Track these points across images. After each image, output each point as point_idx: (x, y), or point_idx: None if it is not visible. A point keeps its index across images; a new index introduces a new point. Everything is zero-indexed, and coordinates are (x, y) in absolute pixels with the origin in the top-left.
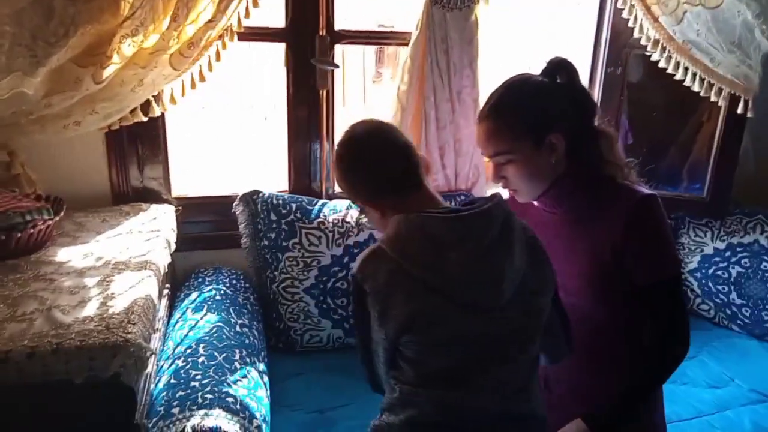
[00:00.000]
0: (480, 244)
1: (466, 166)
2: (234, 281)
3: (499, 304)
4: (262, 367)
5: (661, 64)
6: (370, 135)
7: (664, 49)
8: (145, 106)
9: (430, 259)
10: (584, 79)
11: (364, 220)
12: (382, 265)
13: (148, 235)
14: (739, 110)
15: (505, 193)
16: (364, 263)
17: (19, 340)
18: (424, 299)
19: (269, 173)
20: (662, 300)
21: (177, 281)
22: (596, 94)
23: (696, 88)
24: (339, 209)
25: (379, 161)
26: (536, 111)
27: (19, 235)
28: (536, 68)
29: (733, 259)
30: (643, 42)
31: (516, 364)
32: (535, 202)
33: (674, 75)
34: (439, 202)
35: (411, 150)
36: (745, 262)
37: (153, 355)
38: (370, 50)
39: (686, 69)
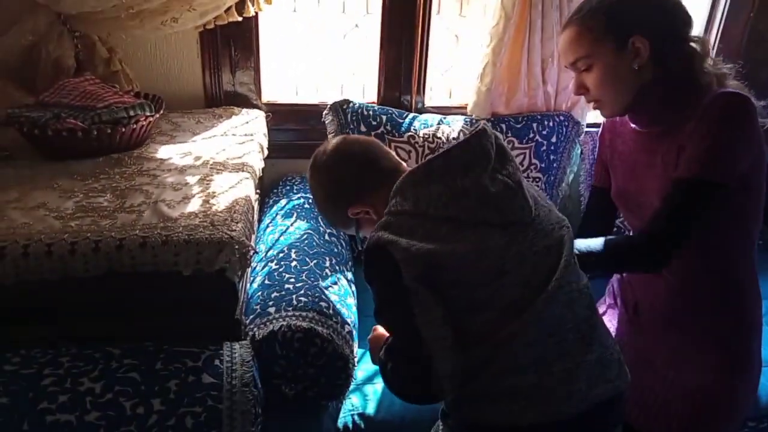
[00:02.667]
0: (487, 162)
1: (569, 84)
2: None
3: (531, 216)
4: (350, 275)
5: None
6: (346, 139)
7: None
8: (240, 6)
9: (448, 192)
10: None
11: (361, 234)
12: (403, 223)
13: (242, 138)
14: None
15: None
16: (379, 237)
17: (131, 230)
18: (458, 235)
19: (357, 83)
20: (678, 198)
21: (264, 188)
22: (720, 11)
23: None
24: (430, 123)
25: (370, 149)
26: (620, 13)
27: (123, 129)
28: None
29: None
30: None
31: (571, 289)
32: (625, 118)
33: None
34: None
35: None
36: None
37: (255, 254)
38: None
39: None
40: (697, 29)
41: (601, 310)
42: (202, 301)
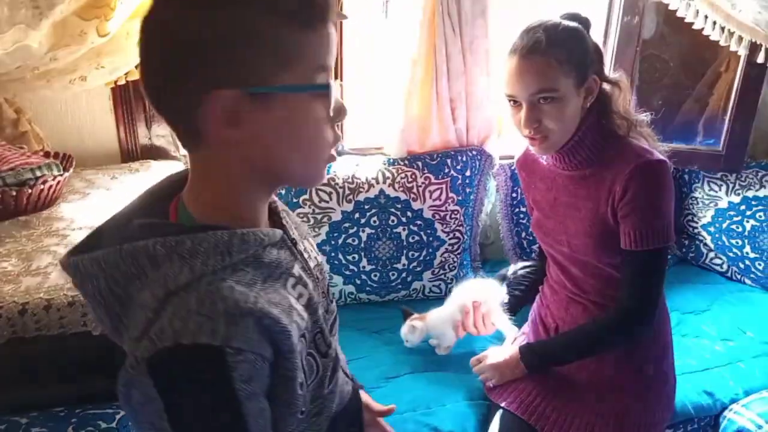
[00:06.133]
0: None
1: (478, 120)
2: None
3: None
4: None
5: (680, 13)
6: None
7: None
8: None
9: None
10: (599, 29)
11: None
12: None
13: None
14: (760, 59)
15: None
16: None
17: (35, 293)
18: None
19: None
20: (639, 270)
21: None
22: (611, 44)
23: (715, 36)
24: (349, 165)
25: None
26: (581, 49)
27: (29, 191)
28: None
29: (748, 213)
30: None
31: None
32: (546, 159)
33: (692, 24)
34: None
35: None
36: (760, 216)
37: None
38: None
39: (705, 17)
40: None
41: (525, 332)
42: (115, 359)
